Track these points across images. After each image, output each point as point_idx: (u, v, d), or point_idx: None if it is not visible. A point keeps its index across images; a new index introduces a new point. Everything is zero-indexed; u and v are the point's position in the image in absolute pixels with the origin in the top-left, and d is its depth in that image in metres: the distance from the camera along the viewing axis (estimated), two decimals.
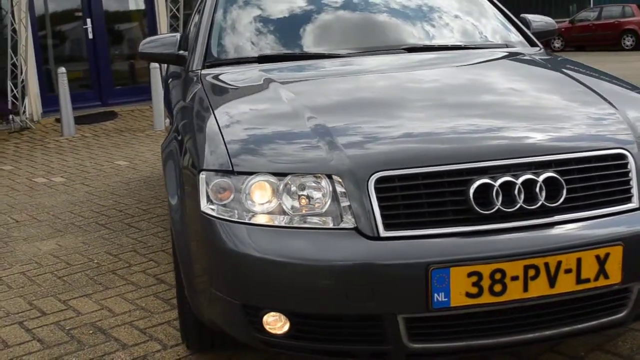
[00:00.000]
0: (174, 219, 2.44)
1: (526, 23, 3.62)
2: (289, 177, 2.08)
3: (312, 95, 2.62)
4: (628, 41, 20.66)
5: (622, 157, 2.15)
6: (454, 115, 2.32)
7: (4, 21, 9.74)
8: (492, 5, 3.58)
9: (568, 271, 2.00)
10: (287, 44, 3.22)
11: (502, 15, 3.54)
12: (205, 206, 2.16)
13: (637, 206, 2.13)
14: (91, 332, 3.01)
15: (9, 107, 9.38)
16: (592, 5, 22.97)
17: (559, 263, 1.98)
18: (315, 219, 2.06)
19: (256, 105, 2.59)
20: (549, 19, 3.77)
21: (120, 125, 9.54)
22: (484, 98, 2.50)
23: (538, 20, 3.73)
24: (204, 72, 3.08)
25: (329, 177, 2.06)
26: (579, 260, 2.00)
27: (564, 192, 2.05)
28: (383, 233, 1.98)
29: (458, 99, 2.49)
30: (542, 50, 3.31)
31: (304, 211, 2.07)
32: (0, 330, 3.07)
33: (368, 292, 1.96)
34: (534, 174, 2.04)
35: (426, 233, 1.98)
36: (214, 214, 2.13)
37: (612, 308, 2.14)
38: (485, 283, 1.95)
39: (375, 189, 2.01)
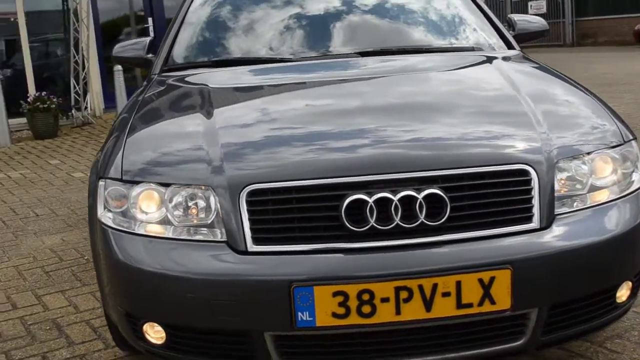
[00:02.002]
0: (89, 224, 2.48)
1: (511, 24, 3.44)
2: (172, 187, 2.07)
3: (232, 106, 2.59)
4: None
5: (524, 173, 2.01)
6: (345, 126, 2.20)
7: (66, 20, 10.18)
8: (469, 6, 3.40)
9: (446, 294, 1.88)
10: (245, 49, 3.19)
11: (481, 16, 3.36)
12: (101, 213, 2.19)
13: (538, 227, 1.98)
14: (48, 328, 3.11)
15: (72, 103, 9.82)
16: None
17: (435, 286, 1.87)
18: (203, 230, 2.04)
19: (172, 114, 2.61)
20: (542, 19, 3.57)
21: None
22: (392, 109, 2.36)
23: (534, 21, 3.55)
24: (161, 76, 3.10)
25: (212, 189, 2.03)
26: (458, 284, 1.88)
27: (448, 210, 1.92)
28: (251, 247, 1.94)
29: (360, 109, 2.35)
30: (517, 53, 3.13)
31: (193, 222, 2.06)
32: None
33: (232, 307, 1.92)
34: (416, 190, 1.93)
35: (293, 249, 1.92)
36: (108, 222, 2.15)
37: (508, 335, 2.00)
38: (352, 304, 1.87)
39: (247, 202, 1.96)
